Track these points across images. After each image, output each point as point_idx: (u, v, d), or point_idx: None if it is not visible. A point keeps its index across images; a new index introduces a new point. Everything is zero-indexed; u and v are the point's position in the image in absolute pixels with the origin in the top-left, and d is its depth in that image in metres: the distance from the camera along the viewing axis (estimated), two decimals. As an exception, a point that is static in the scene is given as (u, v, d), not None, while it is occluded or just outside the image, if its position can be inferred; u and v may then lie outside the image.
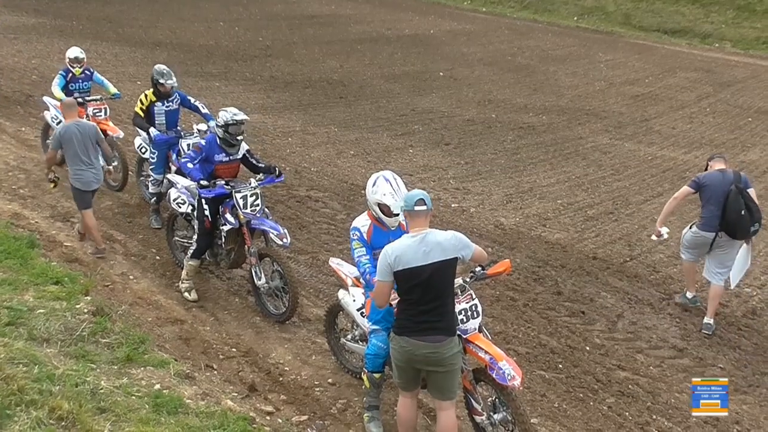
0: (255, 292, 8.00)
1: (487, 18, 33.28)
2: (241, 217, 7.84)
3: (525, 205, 12.01)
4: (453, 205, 11.67)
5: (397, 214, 5.82)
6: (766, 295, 9.49)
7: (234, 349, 7.19)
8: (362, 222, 5.96)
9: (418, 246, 5.18)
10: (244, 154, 8.30)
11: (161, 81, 9.62)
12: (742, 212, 7.96)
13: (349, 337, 6.77)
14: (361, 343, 6.57)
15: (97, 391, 4.99)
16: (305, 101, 17.52)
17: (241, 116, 8.02)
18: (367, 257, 5.80)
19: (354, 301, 6.41)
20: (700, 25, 32.24)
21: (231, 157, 8.17)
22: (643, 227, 11.45)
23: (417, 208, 5.27)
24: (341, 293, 6.67)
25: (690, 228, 8.62)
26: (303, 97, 17.94)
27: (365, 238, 5.86)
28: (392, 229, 5.98)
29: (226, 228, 8.00)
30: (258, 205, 7.92)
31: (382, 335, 5.94)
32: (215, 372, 6.62)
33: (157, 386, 5.42)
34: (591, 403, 6.97)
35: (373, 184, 5.85)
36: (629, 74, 23.76)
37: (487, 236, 10.56)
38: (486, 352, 5.55)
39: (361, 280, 6.06)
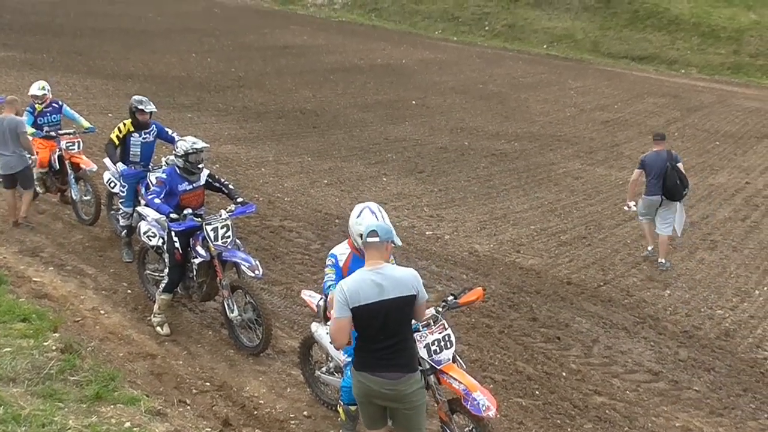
0: (228, 325, 7.90)
1: (458, 47, 33.65)
2: (212, 249, 7.76)
3: (499, 231, 12.05)
4: (427, 233, 11.67)
5: None
6: (738, 317, 9.57)
7: (207, 383, 7.07)
8: (341, 250, 5.88)
9: (374, 281, 4.96)
10: (206, 180, 8.24)
11: (140, 107, 9.56)
12: (677, 182, 10.66)
13: (324, 369, 6.69)
14: (336, 375, 6.49)
15: (64, 431, 4.86)
16: (278, 131, 17.52)
17: (201, 144, 8.01)
18: (333, 281, 5.69)
19: (327, 333, 6.28)
20: (667, 52, 32.85)
21: (194, 185, 8.12)
22: (616, 251, 11.54)
23: (369, 239, 5.05)
24: (314, 326, 6.59)
25: (639, 199, 11.24)
26: (276, 127, 17.93)
27: (341, 266, 5.77)
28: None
29: (197, 261, 7.91)
30: (229, 236, 7.85)
31: None
32: (188, 407, 6.50)
33: (127, 424, 5.30)
34: (569, 430, 6.94)
35: (358, 215, 5.71)
36: (599, 100, 24.10)
37: (462, 263, 10.56)
38: (460, 383, 5.48)
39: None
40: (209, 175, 8.30)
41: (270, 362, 7.57)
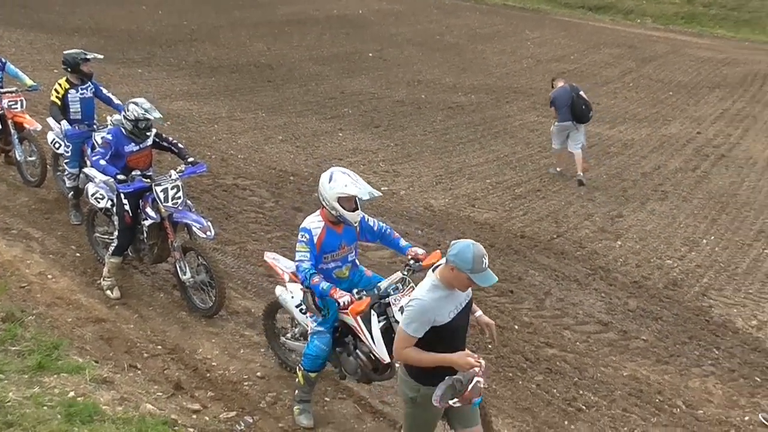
0: (180, 287, 7.81)
1: (417, -3, 33.21)
2: (163, 210, 7.62)
3: (454, 185, 12.07)
4: (383, 188, 11.61)
5: (358, 205, 5.66)
6: (686, 267, 9.77)
7: (159, 347, 7.02)
8: (314, 224, 5.67)
9: (453, 299, 4.58)
10: (154, 139, 8.05)
11: (86, 57, 9.28)
12: (582, 107, 12.34)
13: (289, 335, 6.59)
14: (302, 340, 6.39)
15: (4, 404, 4.75)
16: (232, 86, 17.20)
17: (155, 115, 7.75)
18: (310, 263, 5.56)
19: (293, 297, 6.19)
20: (623, 2, 32.85)
21: (141, 146, 7.91)
22: (570, 203, 11.65)
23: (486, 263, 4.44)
24: (278, 290, 6.42)
25: (553, 127, 12.90)
26: (230, 82, 17.60)
27: (315, 241, 5.60)
28: (354, 225, 5.81)
29: (147, 223, 7.77)
30: (180, 197, 7.72)
31: (325, 337, 5.83)
32: (139, 372, 6.45)
33: (71, 394, 5.22)
34: (520, 382, 7.05)
35: (330, 180, 5.57)
36: (556, 51, 24.09)
37: (417, 219, 10.57)
38: None
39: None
40: (156, 135, 8.10)
41: (223, 323, 7.53)
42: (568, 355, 7.54)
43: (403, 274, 5.75)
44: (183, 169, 7.93)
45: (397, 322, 5.44)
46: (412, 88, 18.34)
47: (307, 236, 5.61)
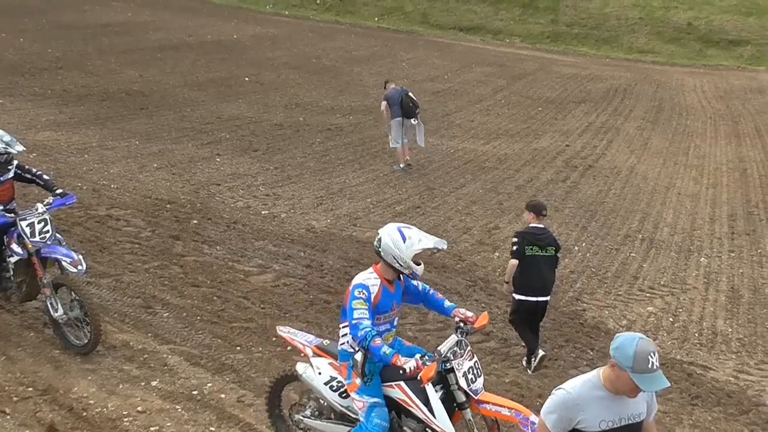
0: (53, 325, 7.43)
1: (290, 21, 33.34)
2: (29, 246, 7.25)
3: (336, 206, 12.13)
4: (263, 212, 11.54)
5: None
6: (560, 273, 10.10)
7: (30, 389, 6.64)
8: (371, 281, 5.17)
9: (614, 407, 3.71)
10: (15, 172, 7.67)
11: None
12: (410, 104, 13.97)
13: (307, 412, 5.81)
14: (322, 417, 5.73)
15: None
16: (103, 115, 16.64)
17: (16, 148, 7.38)
18: (369, 321, 5.00)
19: (320, 374, 5.52)
20: (492, 22, 34.18)
21: (1, 179, 7.53)
22: (449, 218, 11.95)
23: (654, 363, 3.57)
24: (301, 367, 5.71)
25: (387, 126, 14.45)
26: (100, 110, 17.02)
27: (372, 300, 5.10)
28: (420, 278, 5.36)
29: (13, 259, 7.37)
30: (48, 231, 7.36)
31: (383, 411, 5.18)
32: (8, 417, 6.09)
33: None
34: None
35: (404, 239, 5.08)
36: (430, 71, 24.72)
37: (299, 240, 10.55)
38: (510, 409, 5.06)
39: (353, 346, 5.17)
40: (18, 166, 7.71)
41: (100, 359, 7.22)
42: (453, 366, 7.68)
43: (458, 337, 5.27)
44: (51, 201, 7.58)
45: (459, 388, 5.09)
46: (290, 111, 18.34)
47: (366, 293, 5.08)
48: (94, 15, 30.37)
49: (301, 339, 5.84)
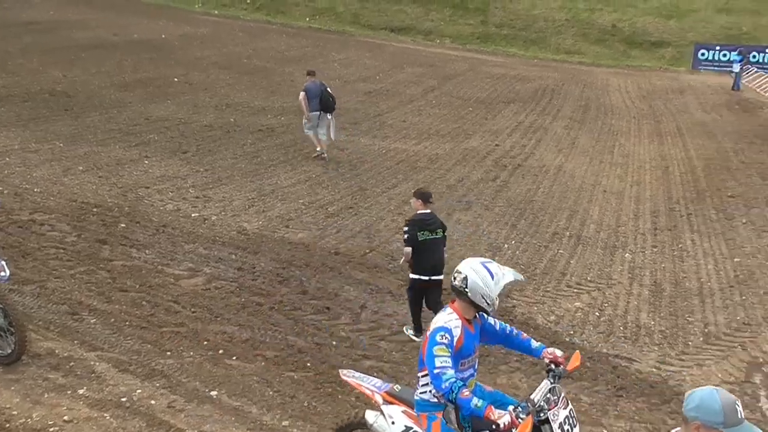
0: (-27, 334, 7.19)
1: (220, 21, 32.95)
2: (-54, 252, 7.00)
3: (267, 207, 12.05)
4: (193, 215, 11.39)
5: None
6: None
7: (-51, 402, 6.42)
8: (453, 323, 4.68)
9: None
10: None
11: None
12: (329, 99, 14.71)
13: None
14: None
15: None
16: (25, 116, 16.14)
17: None
18: (453, 370, 4.52)
19: (393, 423, 5.08)
20: (422, 23, 34.47)
21: None
22: (381, 218, 12.01)
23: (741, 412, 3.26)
24: (371, 415, 5.30)
25: (304, 119, 14.99)
26: (22, 111, 16.50)
27: (455, 344, 4.65)
28: (492, 321, 5.01)
29: (-72, 268, 7.09)
30: (-34, 237, 7.12)
31: None
32: (-75, 431, 5.87)
33: None
34: (339, 397, 7.14)
35: (492, 276, 4.67)
36: (361, 72, 24.78)
37: (231, 243, 10.44)
38: None
39: (437, 397, 4.78)
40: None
41: (23, 368, 7.02)
42: (385, 365, 7.75)
43: (551, 382, 4.82)
44: (-33, 206, 7.33)
45: None
46: (220, 111, 18.13)
47: (448, 337, 4.59)
48: (14, 13, 29.44)
49: (369, 384, 5.39)
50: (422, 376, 4.82)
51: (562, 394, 4.78)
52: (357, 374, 5.56)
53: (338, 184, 13.55)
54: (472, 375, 4.92)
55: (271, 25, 32.96)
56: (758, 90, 28.62)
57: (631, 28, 38.20)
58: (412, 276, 8.27)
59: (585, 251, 11.48)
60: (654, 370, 8.20)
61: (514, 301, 9.56)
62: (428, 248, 8.14)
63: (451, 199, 13.18)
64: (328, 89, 15.07)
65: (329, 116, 14.89)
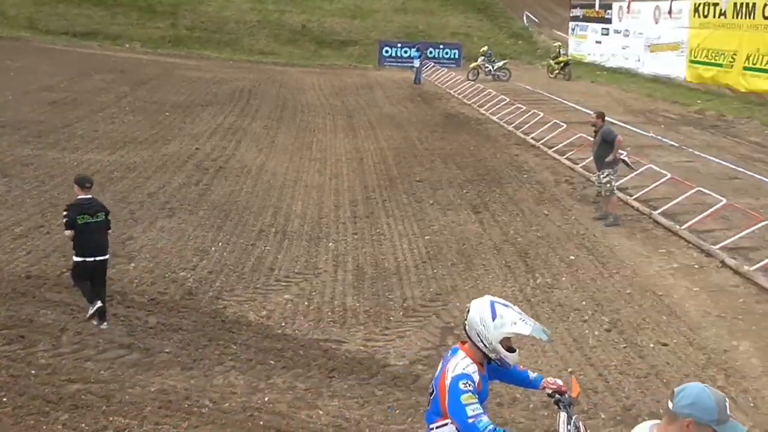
0: None
1: None
2: None
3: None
4: None
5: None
6: (199, 275, 10.29)
7: None
8: (470, 368, 4.34)
9: None
10: None
11: None
12: None
13: None
14: None
15: None
16: None
17: None
18: (486, 417, 4.23)
19: None
20: (109, 27, 32.86)
21: None
22: (77, 234, 11.30)
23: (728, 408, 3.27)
24: None
25: None
26: None
27: (478, 389, 4.32)
28: (512, 365, 4.57)
29: None
30: None
31: None
32: None
33: None
34: (44, 427, 6.64)
35: (494, 317, 4.34)
36: (43, 80, 23.05)
37: None
38: None
39: None
40: None
41: None
42: (93, 386, 7.34)
43: (566, 412, 4.57)
44: None
45: None
46: None
47: (471, 383, 4.27)
48: None
49: None
50: (438, 427, 4.48)
51: (581, 423, 4.59)
52: None
53: (25, 203, 12.50)
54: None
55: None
56: (436, 83, 31.49)
57: (320, 28, 39.90)
58: (75, 259, 8.58)
59: (291, 245, 11.84)
60: (362, 348, 8.73)
61: (225, 302, 9.59)
62: (89, 231, 8.54)
63: (153, 208, 12.81)
64: None
65: None
